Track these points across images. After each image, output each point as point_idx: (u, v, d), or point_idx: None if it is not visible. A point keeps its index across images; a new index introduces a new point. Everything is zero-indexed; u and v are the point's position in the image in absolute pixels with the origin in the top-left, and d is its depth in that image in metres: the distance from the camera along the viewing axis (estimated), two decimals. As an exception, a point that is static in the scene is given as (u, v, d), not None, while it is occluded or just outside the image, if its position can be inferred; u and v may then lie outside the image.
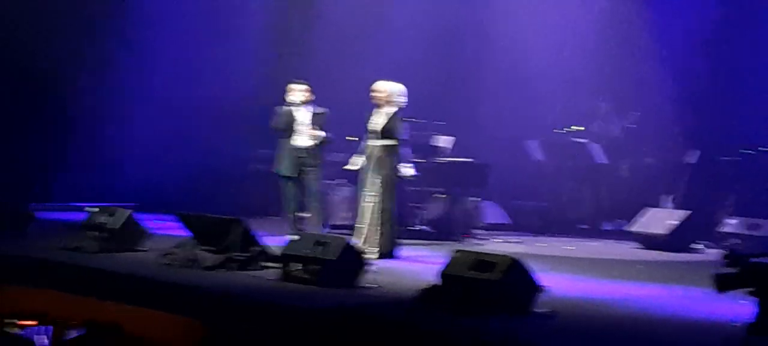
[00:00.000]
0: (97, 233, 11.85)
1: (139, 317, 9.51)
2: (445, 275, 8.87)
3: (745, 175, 14.94)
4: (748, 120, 15.45)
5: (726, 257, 6.48)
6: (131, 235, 11.94)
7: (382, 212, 12.00)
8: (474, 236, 14.70)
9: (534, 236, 15.48)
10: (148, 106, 17.38)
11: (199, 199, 15.23)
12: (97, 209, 12.24)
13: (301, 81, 12.92)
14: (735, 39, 15.61)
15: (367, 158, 12.26)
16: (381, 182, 12.04)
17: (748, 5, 15.60)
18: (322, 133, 12.64)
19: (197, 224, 11.27)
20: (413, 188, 14.81)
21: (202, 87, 17.54)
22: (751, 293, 6.50)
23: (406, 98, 12.24)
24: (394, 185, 12.08)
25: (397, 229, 12.30)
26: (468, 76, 17.47)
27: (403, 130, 12.14)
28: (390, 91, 12.18)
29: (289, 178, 12.87)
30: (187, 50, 17.47)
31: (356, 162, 12.50)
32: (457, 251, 9.13)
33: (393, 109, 12.15)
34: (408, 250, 12.62)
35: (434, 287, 8.89)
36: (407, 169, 12.31)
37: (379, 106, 12.20)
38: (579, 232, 16.21)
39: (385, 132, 12.11)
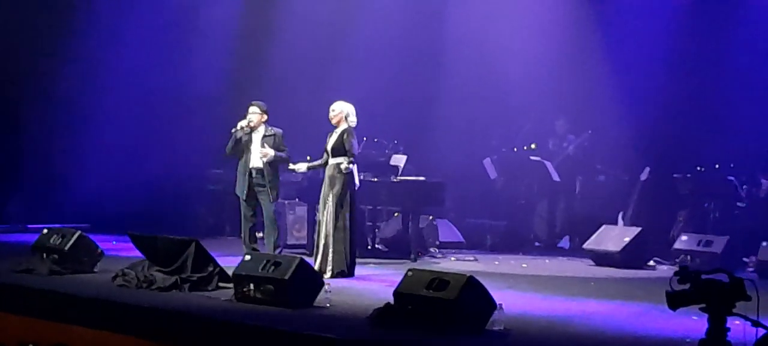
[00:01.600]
0: (47, 255, 11.74)
1: (92, 339, 9.43)
2: (399, 293, 8.85)
3: (697, 192, 15.05)
4: (701, 138, 15.58)
5: (677, 273, 6.51)
6: (83, 256, 11.82)
7: (335, 231, 11.99)
8: (429, 255, 14.71)
9: (489, 253, 15.52)
10: (101, 126, 17.29)
11: (155, 219, 15.16)
12: (46, 231, 12.13)
13: (256, 102, 12.85)
14: (690, 58, 15.74)
15: (324, 178, 12.28)
16: (332, 200, 12.03)
17: (704, 26, 15.75)
18: (271, 152, 12.54)
19: (149, 245, 11.19)
20: (368, 207, 14.83)
21: (156, 107, 17.47)
22: (702, 309, 6.53)
23: (355, 117, 12.27)
24: (346, 203, 12.06)
25: (354, 248, 12.27)
26: (425, 95, 17.51)
27: (352, 147, 12.12)
28: (342, 111, 12.21)
29: (245, 199, 12.78)
30: (142, 71, 17.36)
31: (300, 167, 12.54)
32: (412, 269, 9.12)
33: (343, 127, 12.17)
34: (362, 269, 12.60)
35: (389, 306, 8.88)
36: (343, 164, 12.23)
37: (335, 125, 12.23)
38: (534, 249, 16.28)
39: (335, 150, 12.12)
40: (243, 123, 12.65)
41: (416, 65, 17.59)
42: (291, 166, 12.65)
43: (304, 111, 15.25)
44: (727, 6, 15.72)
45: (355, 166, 12.32)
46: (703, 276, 6.50)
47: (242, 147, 12.70)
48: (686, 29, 15.78)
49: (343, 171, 12.07)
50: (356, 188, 12.28)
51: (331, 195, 12.06)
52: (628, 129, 15.93)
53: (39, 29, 17.27)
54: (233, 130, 12.67)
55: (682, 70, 15.71)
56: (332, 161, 12.16)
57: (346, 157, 12.10)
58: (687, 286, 6.52)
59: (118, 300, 9.94)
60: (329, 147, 12.18)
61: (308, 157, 13.30)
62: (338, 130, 12.19)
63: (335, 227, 12.00)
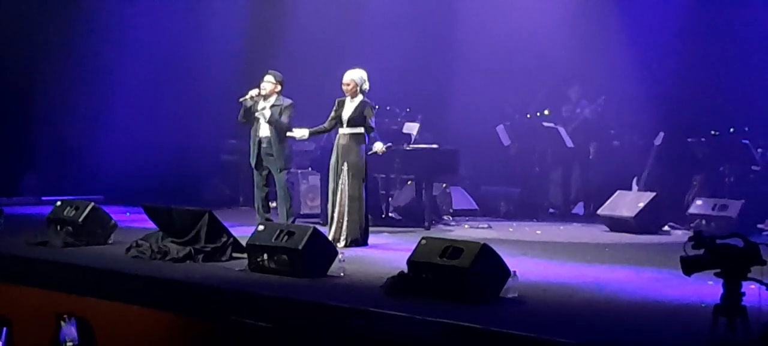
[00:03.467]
0: (62, 227, 11.76)
1: (107, 310, 9.47)
2: (413, 262, 8.85)
3: (712, 156, 14.99)
4: (715, 102, 15.51)
5: (691, 239, 6.48)
6: (97, 227, 11.84)
7: (349, 200, 11.97)
8: (443, 223, 14.70)
9: (503, 221, 15.49)
10: (115, 98, 17.28)
11: (168, 190, 15.19)
12: (60, 203, 12.15)
13: (271, 72, 12.81)
14: (704, 22, 15.65)
15: (335, 146, 12.24)
16: (348, 170, 12.01)
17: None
18: (268, 111, 12.48)
19: (162, 216, 11.20)
20: (381, 175, 14.81)
21: (170, 77, 17.46)
22: (717, 275, 6.51)
23: (368, 84, 12.20)
24: (361, 172, 12.04)
25: (368, 217, 12.26)
26: (437, 62, 17.47)
27: (373, 122, 12.10)
28: (357, 79, 12.14)
29: (255, 168, 12.79)
30: (155, 41, 17.36)
31: (300, 133, 12.43)
32: (426, 238, 9.11)
33: (360, 98, 12.12)
34: (376, 238, 12.59)
35: (402, 274, 8.88)
36: (378, 145, 12.29)
37: (349, 95, 12.15)
38: (548, 216, 16.25)
39: (352, 120, 12.07)
40: (253, 92, 12.62)
41: (429, 33, 17.53)
42: (289, 133, 12.54)
43: (318, 81, 15.22)
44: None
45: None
46: (718, 241, 6.47)
47: (253, 116, 12.68)
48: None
49: (380, 152, 12.21)
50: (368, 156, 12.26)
51: (346, 164, 12.04)
52: (641, 94, 15.84)
53: (50, 1, 17.26)
54: (241, 100, 12.64)
55: (697, 33, 15.60)
56: (347, 131, 12.09)
57: (362, 128, 12.06)
58: (701, 251, 6.50)
59: (133, 272, 9.98)
60: (345, 116, 12.10)
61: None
62: (356, 101, 12.09)
63: (350, 197, 11.99)
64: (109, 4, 17.33)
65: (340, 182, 12.08)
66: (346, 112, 12.11)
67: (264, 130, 12.63)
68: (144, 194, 13.41)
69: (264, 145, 12.65)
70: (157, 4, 17.43)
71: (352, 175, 12.00)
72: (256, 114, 12.59)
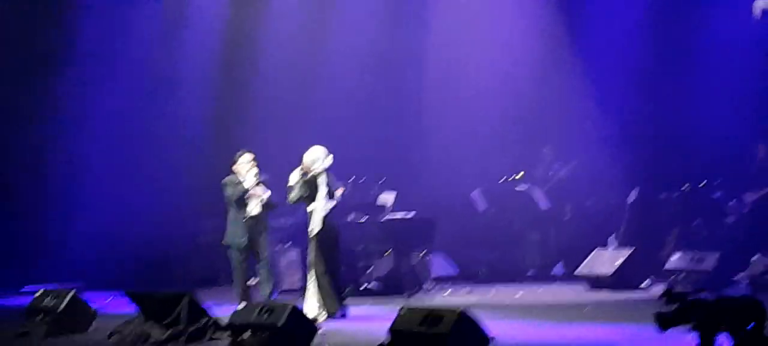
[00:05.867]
0: (43, 317, 11.72)
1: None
2: (394, 331, 8.90)
3: (685, 210, 15.09)
4: (686, 157, 15.64)
5: (664, 295, 6.58)
6: (77, 316, 11.80)
7: (316, 273, 12.07)
8: (423, 290, 14.72)
9: (483, 285, 15.51)
10: (91, 184, 17.31)
11: (146, 273, 15.17)
12: (40, 293, 12.12)
13: (246, 150, 12.94)
14: (670, 78, 15.83)
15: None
16: (310, 243, 12.14)
17: (682, 45, 15.86)
18: (268, 193, 12.67)
19: (144, 300, 11.20)
20: (359, 247, 14.84)
21: (144, 159, 17.53)
22: (692, 329, 6.60)
23: (323, 160, 12.24)
24: (320, 243, 12.13)
25: (338, 287, 12.29)
26: (410, 130, 17.61)
27: (321, 190, 12.16)
28: (308, 159, 12.25)
29: (244, 248, 12.83)
30: (129, 125, 17.47)
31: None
32: (405, 307, 9.16)
33: (314, 173, 12.21)
34: (357, 309, 12.62)
35: (384, 344, 8.92)
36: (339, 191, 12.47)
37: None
38: (527, 278, 16.28)
39: (308, 196, 12.20)
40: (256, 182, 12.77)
41: (403, 101, 17.71)
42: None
43: (288, 152, 15.35)
44: (699, 24, 15.80)
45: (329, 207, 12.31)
46: (690, 297, 6.57)
47: (241, 196, 12.78)
48: (668, 50, 15.90)
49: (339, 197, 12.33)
50: (333, 229, 12.30)
51: (310, 237, 12.20)
52: (614, 151, 15.98)
53: (22, 94, 17.34)
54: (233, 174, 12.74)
55: (666, 91, 15.81)
56: (310, 206, 12.26)
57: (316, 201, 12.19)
58: (675, 307, 6.59)
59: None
60: (305, 193, 12.26)
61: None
62: (312, 176, 12.23)
63: (315, 269, 12.10)
64: (83, 90, 17.41)
65: (309, 255, 12.25)
66: (305, 188, 12.25)
67: (252, 208, 12.75)
68: (124, 279, 13.39)
69: (251, 223, 12.74)
70: (131, 92, 17.54)
71: (313, 247, 12.20)
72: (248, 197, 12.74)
